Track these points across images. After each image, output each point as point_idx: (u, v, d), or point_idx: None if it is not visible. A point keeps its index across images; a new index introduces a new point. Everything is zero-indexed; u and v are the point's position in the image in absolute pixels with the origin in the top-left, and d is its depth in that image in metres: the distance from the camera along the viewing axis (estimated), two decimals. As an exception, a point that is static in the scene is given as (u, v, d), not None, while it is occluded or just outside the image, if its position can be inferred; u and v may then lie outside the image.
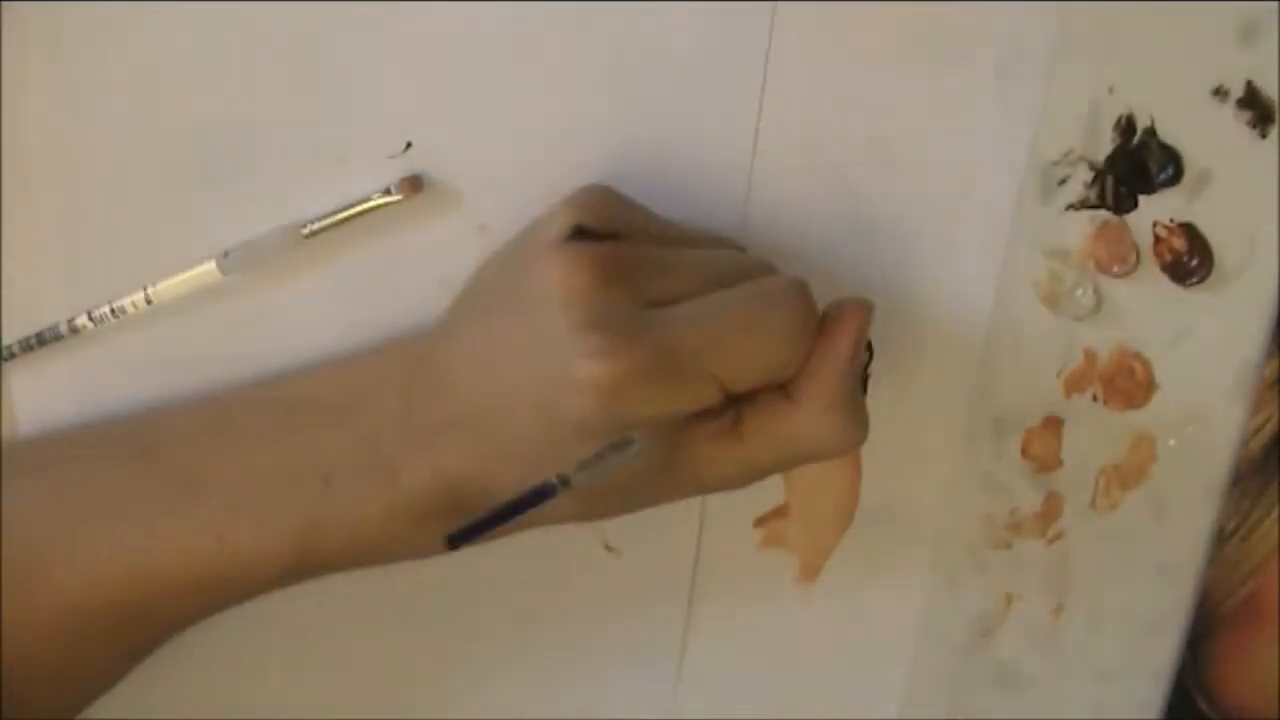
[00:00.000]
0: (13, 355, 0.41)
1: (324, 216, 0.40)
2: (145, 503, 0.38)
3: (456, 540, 0.33)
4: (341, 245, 0.40)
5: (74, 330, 0.41)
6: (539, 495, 0.33)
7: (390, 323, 0.41)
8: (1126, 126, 0.40)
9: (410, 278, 0.41)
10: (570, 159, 0.40)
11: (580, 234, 0.34)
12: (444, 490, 0.36)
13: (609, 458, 0.33)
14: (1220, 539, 0.44)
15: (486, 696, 0.47)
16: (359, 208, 0.39)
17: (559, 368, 0.33)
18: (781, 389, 0.35)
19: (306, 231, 0.40)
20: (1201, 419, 0.42)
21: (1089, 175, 0.40)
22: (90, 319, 0.41)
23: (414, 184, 0.39)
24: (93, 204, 0.41)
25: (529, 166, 0.40)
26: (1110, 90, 0.39)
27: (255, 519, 0.37)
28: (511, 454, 0.35)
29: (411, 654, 0.46)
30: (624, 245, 0.34)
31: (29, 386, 0.42)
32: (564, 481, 0.33)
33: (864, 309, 0.36)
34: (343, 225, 0.40)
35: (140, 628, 0.39)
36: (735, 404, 0.35)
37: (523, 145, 0.40)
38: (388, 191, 0.39)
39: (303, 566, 0.38)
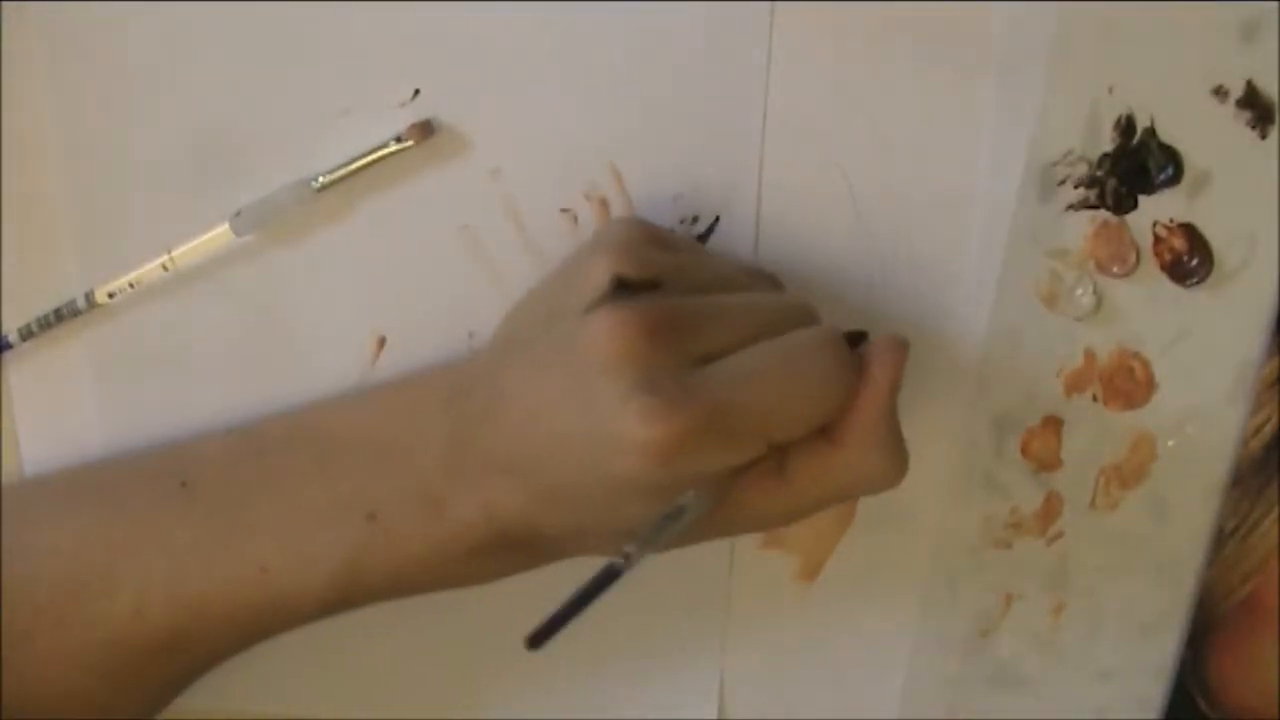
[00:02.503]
0: (31, 334, 0.41)
1: (335, 169, 0.39)
2: (187, 535, 0.38)
3: (537, 642, 0.33)
4: (355, 198, 0.40)
5: (92, 304, 0.41)
6: (608, 578, 0.33)
7: (411, 275, 0.41)
8: (1126, 126, 0.40)
9: (427, 226, 0.41)
10: (578, 101, 0.40)
11: (621, 285, 0.35)
12: (493, 527, 0.36)
13: (667, 528, 0.33)
14: (1220, 539, 0.44)
15: (485, 696, 0.47)
16: (370, 157, 0.39)
17: (611, 429, 0.33)
18: (823, 432, 0.36)
19: (318, 185, 0.39)
20: (1201, 419, 0.42)
21: (1089, 175, 0.40)
22: (109, 294, 0.41)
23: (424, 129, 0.39)
24: (101, 182, 0.41)
25: (538, 111, 0.40)
26: (1110, 90, 0.39)
27: (298, 554, 0.37)
28: (561, 500, 0.35)
29: (426, 663, 0.46)
30: (666, 301, 0.35)
31: (39, 368, 0.42)
32: (628, 559, 0.33)
33: (902, 349, 0.36)
34: (356, 178, 0.39)
35: (180, 661, 0.39)
36: (779, 450, 0.36)
37: (531, 90, 0.40)
38: (398, 139, 0.39)
39: (346, 599, 0.38)
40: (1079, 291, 0.41)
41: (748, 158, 0.40)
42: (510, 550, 0.37)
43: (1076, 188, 0.40)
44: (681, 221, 0.41)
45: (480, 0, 0.39)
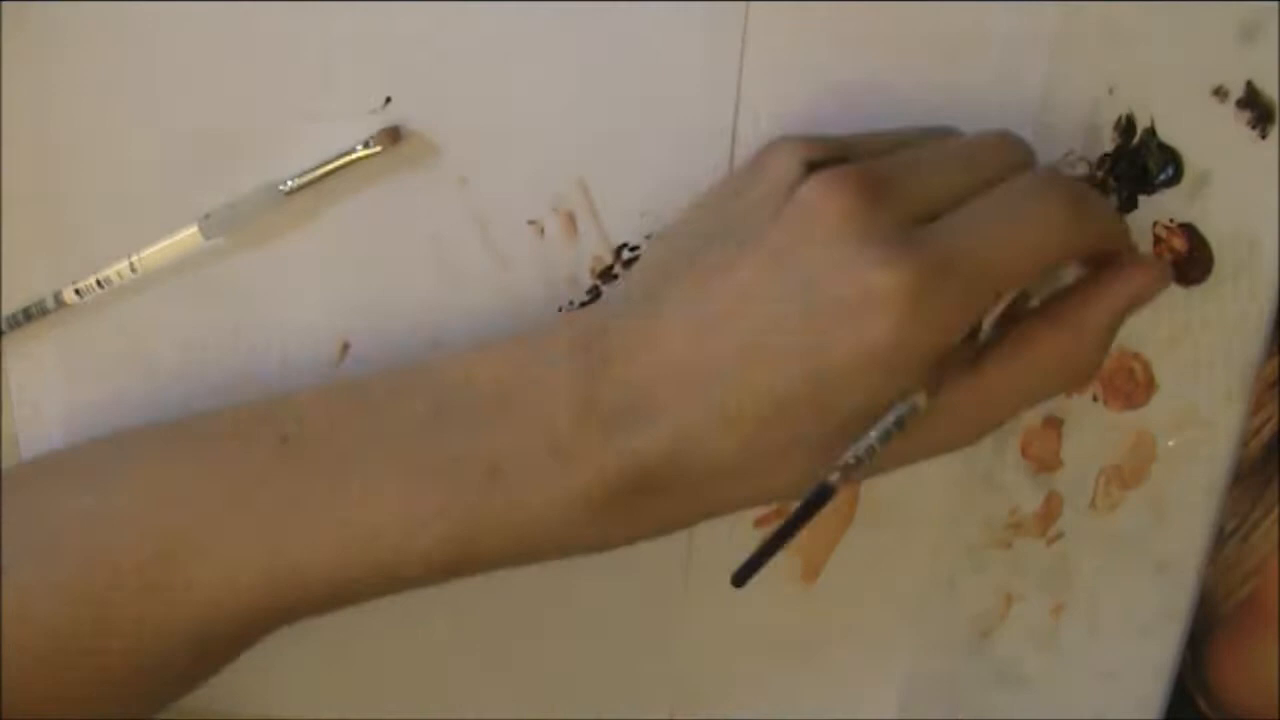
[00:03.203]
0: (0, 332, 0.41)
1: (304, 173, 0.39)
2: (286, 495, 0.35)
3: (742, 578, 0.31)
4: (324, 203, 0.40)
5: (60, 303, 0.41)
6: (820, 499, 0.31)
7: (377, 281, 0.41)
8: (1126, 127, 0.40)
9: (394, 233, 0.41)
10: (547, 113, 0.40)
11: (815, 169, 0.33)
12: (633, 474, 0.34)
13: (894, 431, 0.31)
14: (1220, 539, 0.44)
15: (483, 696, 0.47)
16: (338, 161, 0.39)
17: (841, 295, 0.31)
18: (1040, 311, 0.35)
19: (286, 189, 0.39)
20: (1201, 419, 0.42)
21: (1089, 176, 0.40)
22: (77, 292, 0.41)
23: (393, 135, 0.39)
24: (70, 183, 0.41)
25: (507, 121, 0.40)
26: (1110, 90, 0.39)
27: (411, 516, 0.34)
28: (745, 417, 0.33)
29: (425, 664, 0.46)
30: (872, 163, 0.33)
31: (19, 366, 0.43)
32: (847, 470, 0.31)
33: (1165, 272, 0.36)
34: (325, 183, 0.39)
35: (273, 629, 0.37)
36: (974, 341, 0.35)
37: (501, 100, 0.40)
38: (366, 144, 0.39)
39: (457, 566, 0.35)
40: (1079, 292, 0.41)
41: (717, 175, 0.40)
42: (646, 501, 0.34)
43: (1076, 188, 0.40)
44: (647, 237, 0.41)
45: (454, 4, 0.39)
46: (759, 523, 0.45)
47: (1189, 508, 0.44)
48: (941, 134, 0.37)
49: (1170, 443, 0.43)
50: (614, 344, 0.34)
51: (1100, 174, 0.40)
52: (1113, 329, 0.35)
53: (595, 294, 0.41)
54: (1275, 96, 0.38)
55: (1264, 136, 0.39)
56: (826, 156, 0.33)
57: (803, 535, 0.44)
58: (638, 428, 0.33)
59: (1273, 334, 0.41)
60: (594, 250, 0.41)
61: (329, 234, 0.41)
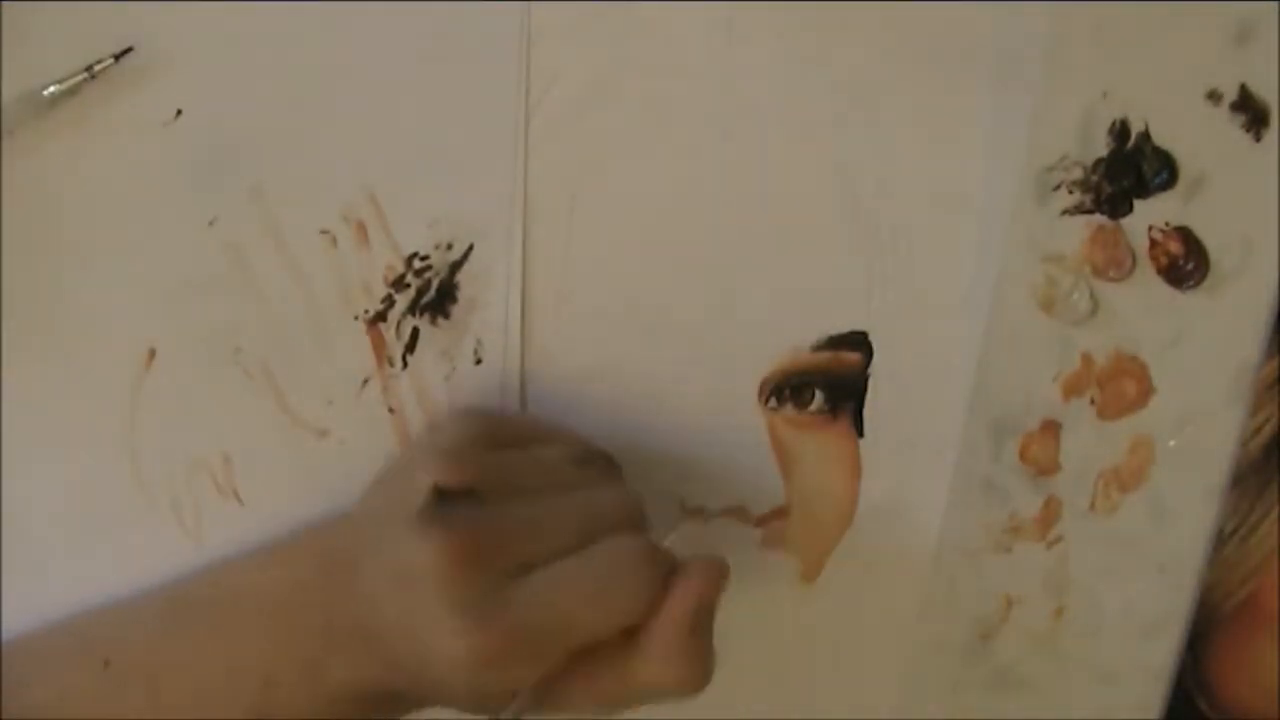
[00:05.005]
0: None
1: None
2: (110, 711, 0.39)
3: None
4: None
5: None
6: None
7: (177, 288, 0.41)
8: (1121, 131, 0.40)
9: (191, 243, 0.40)
10: (336, 118, 0.40)
11: (441, 494, 0.37)
12: (362, 689, 0.39)
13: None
14: (1220, 540, 0.44)
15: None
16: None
17: (429, 639, 0.36)
18: (628, 633, 0.37)
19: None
20: (1200, 421, 0.42)
21: (1084, 180, 0.40)
22: None
23: None
24: None
25: (296, 128, 0.40)
26: (1104, 95, 0.39)
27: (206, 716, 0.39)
28: (407, 673, 0.37)
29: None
30: (482, 514, 0.37)
31: None
32: None
33: (715, 571, 0.38)
34: (119, 183, 0.39)
35: None
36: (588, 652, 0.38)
37: (289, 107, 0.40)
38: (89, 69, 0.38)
39: None
40: (1075, 296, 0.41)
41: (505, 185, 0.41)
42: (383, 704, 0.39)
43: (1071, 192, 0.40)
44: (436, 247, 0.41)
45: (246, 15, 0.39)
46: (759, 522, 0.45)
47: (1188, 509, 0.43)
48: (599, 465, 0.41)
49: (1169, 445, 0.43)
50: (344, 575, 0.38)
51: (1095, 178, 0.40)
52: (687, 640, 0.37)
53: (389, 302, 0.42)
54: (1269, 100, 0.38)
55: (1258, 139, 0.39)
56: (455, 482, 0.37)
57: (803, 535, 0.45)
58: (362, 649, 0.38)
59: (1270, 335, 0.41)
60: (387, 260, 0.41)
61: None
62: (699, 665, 0.38)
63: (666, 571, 0.37)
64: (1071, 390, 0.42)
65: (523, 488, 0.38)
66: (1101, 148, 0.40)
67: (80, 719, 0.40)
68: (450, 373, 0.43)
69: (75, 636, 0.42)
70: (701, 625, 0.38)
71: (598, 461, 0.41)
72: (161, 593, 0.43)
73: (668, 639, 0.37)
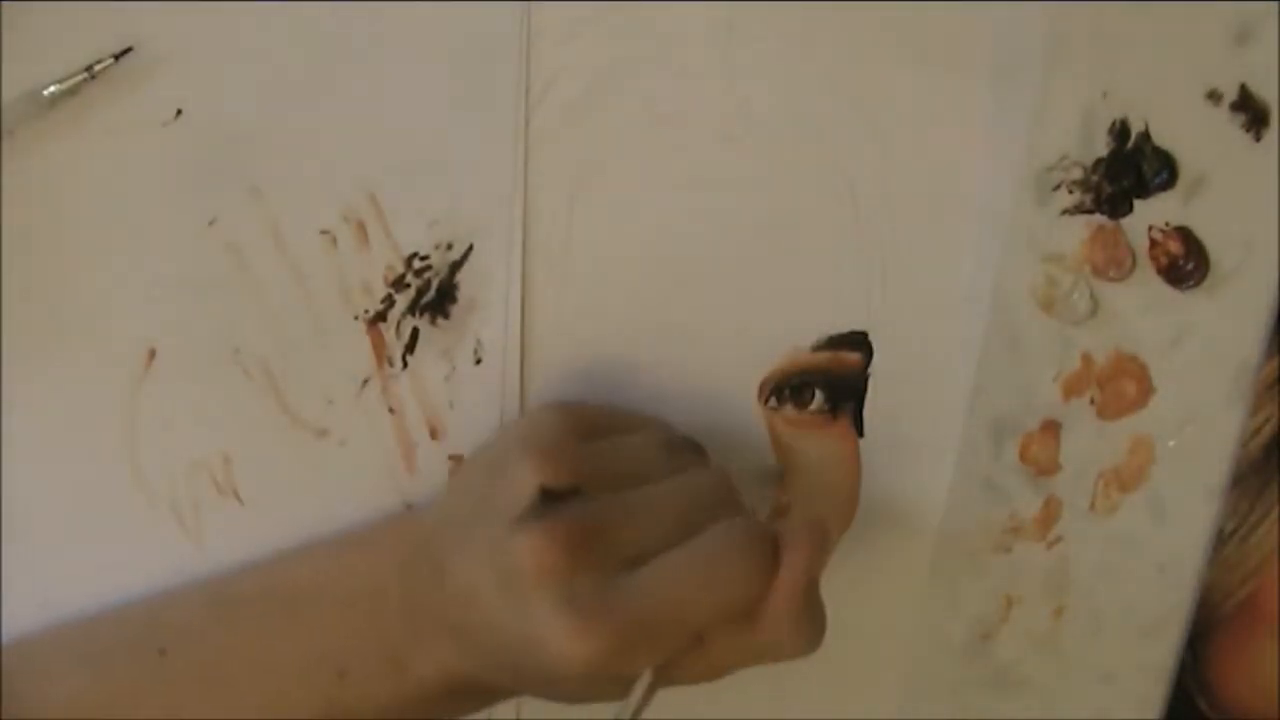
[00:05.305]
0: None
1: None
2: (167, 702, 0.39)
3: None
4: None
5: None
6: None
7: (177, 288, 0.41)
8: (1121, 131, 0.40)
9: (191, 242, 0.40)
10: (336, 122, 0.40)
11: (546, 493, 0.36)
12: (448, 683, 0.39)
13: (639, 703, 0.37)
14: (1220, 539, 0.44)
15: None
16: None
17: (541, 637, 0.35)
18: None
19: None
20: (1199, 421, 0.42)
21: (1084, 180, 0.40)
22: None
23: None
24: None
25: (295, 129, 0.40)
26: (1104, 95, 0.39)
27: (274, 712, 0.39)
28: (504, 669, 0.37)
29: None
30: (587, 510, 0.36)
31: None
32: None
33: (818, 531, 0.37)
34: (118, 183, 0.39)
35: None
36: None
37: (288, 108, 0.40)
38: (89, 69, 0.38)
39: None
40: (1075, 296, 0.41)
41: (505, 185, 0.41)
42: (466, 699, 0.40)
43: (1071, 192, 0.40)
44: (436, 247, 0.41)
45: (245, 14, 0.39)
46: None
47: (1188, 509, 0.43)
48: (687, 452, 0.40)
49: (1169, 445, 0.43)
50: (426, 571, 0.38)
51: (1095, 178, 0.40)
52: (800, 608, 0.36)
53: (389, 302, 0.42)
54: (1269, 100, 0.38)
55: (1258, 139, 0.39)
56: (557, 482, 0.36)
57: (804, 537, 0.45)
58: (450, 646, 0.38)
59: (1271, 335, 0.41)
60: (386, 260, 0.41)
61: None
62: (817, 627, 0.37)
63: (773, 546, 0.37)
64: (1071, 390, 0.42)
65: (621, 479, 0.38)
66: (1101, 148, 0.40)
67: (128, 712, 0.39)
68: (450, 373, 0.43)
69: (125, 625, 0.42)
70: (814, 589, 0.37)
71: (685, 445, 0.41)
72: (210, 585, 0.42)
73: (786, 609, 0.36)
